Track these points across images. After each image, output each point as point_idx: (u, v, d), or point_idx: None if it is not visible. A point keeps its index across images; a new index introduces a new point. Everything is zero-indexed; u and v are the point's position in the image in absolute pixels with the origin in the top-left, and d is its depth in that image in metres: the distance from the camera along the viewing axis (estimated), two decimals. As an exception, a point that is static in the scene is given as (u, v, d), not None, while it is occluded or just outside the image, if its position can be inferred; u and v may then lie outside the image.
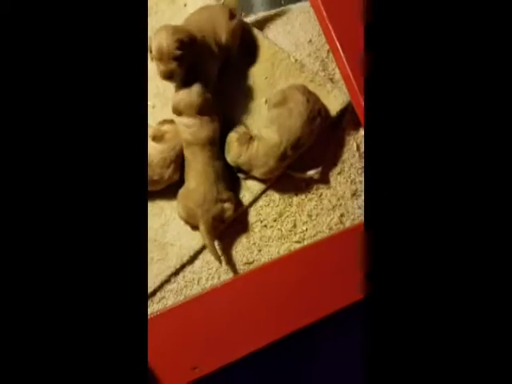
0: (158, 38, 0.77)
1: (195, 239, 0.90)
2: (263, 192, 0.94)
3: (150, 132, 0.85)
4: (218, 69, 0.90)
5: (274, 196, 0.95)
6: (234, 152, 0.86)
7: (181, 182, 0.89)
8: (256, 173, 0.89)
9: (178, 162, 0.86)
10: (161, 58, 0.77)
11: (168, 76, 0.79)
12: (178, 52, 0.77)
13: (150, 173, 0.84)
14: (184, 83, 0.83)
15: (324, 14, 0.91)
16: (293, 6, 1.02)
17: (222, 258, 0.90)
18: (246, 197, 0.93)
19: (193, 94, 0.82)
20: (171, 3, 0.94)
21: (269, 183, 0.94)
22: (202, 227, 0.84)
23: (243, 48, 0.95)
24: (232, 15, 0.89)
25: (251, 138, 0.87)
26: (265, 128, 0.88)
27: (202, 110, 0.83)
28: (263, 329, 0.81)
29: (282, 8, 1.02)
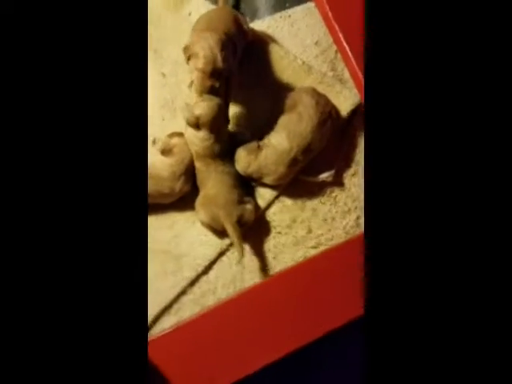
0: (207, 48, 0.71)
1: (209, 249, 0.90)
2: (275, 198, 0.93)
3: (159, 146, 0.85)
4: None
5: (287, 201, 0.94)
6: (243, 162, 0.85)
7: (192, 192, 0.88)
8: (267, 180, 0.88)
9: (188, 173, 0.85)
10: (210, 72, 0.71)
11: (212, 91, 0.74)
12: (226, 65, 0.72)
13: (159, 187, 0.84)
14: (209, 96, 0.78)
15: (329, 13, 0.89)
16: (298, 8, 1.00)
17: (237, 266, 0.89)
18: (259, 203, 0.92)
19: (215, 108, 0.78)
20: (175, 12, 0.94)
21: (281, 189, 0.92)
22: (228, 226, 0.83)
23: (250, 53, 0.94)
24: (241, 17, 0.88)
25: (259, 147, 0.85)
26: (274, 134, 0.86)
27: (220, 125, 0.81)
28: (281, 340, 0.79)
29: (287, 10, 1.00)
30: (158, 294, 0.87)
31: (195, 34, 0.79)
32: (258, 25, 0.98)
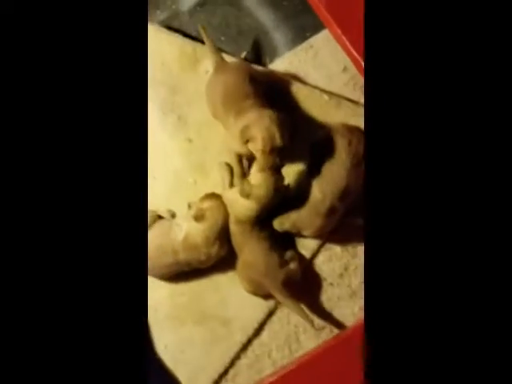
0: (265, 130, 0.70)
1: (258, 310, 0.86)
2: (321, 247, 0.86)
3: (193, 212, 0.84)
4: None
5: (335, 249, 0.86)
6: (277, 220, 0.79)
7: (231, 253, 0.86)
8: (306, 233, 0.81)
9: (223, 237, 0.83)
10: (270, 151, 0.71)
11: (273, 167, 0.73)
12: (285, 142, 0.71)
13: (196, 254, 0.82)
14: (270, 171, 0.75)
15: (343, 37, 0.80)
16: (318, 36, 0.92)
17: (292, 325, 0.84)
18: (303, 253, 0.86)
19: (272, 186, 0.74)
20: (193, 73, 0.92)
21: (325, 237, 0.85)
22: (277, 294, 0.79)
23: (273, 98, 0.88)
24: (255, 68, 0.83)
25: (292, 201, 0.79)
26: (306, 182, 0.80)
27: (272, 200, 0.76)
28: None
29: (308, 41, 0.93)
30: (212, 360, 0.85)
31: (250, 114, 0.75)
32: (278, 64, 0.93)
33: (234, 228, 0.81)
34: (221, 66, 0.84)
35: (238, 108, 0.77)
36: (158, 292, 0.88)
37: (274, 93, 0.88)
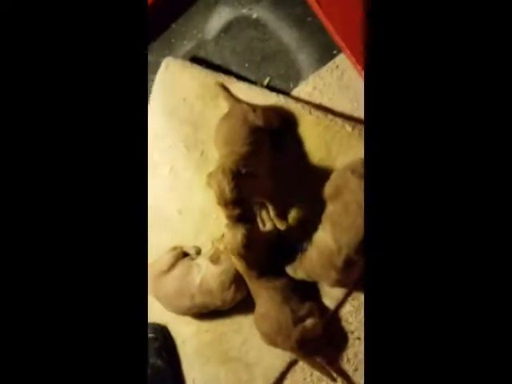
0: (216, 184, 0.71)
1: (278, 359, 0.81)
2: (347, 296, 0.77)
3: (210, 253, 0.82)
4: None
5: (363, 298, 0.76)
6: (289, 269, 0.73)
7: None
8: (324, 283, 0.73)
9: (238, 281, 0.79)
10: (224, 204, 0.71)
11: (238, 220, 0.72)
12: (235, 194, 0.70)
13: (212, 299, 0.81)
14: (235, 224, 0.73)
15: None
16: (344, 54, 0.81)
17: (315, 377, 0.78)
18: (327, 303, 0.78)
19: (239, 237, 0.71)
20: (215, 109, 0.89)
21: (351, 286, 0.76)
22: (291, 353, 0.76)
23: (290, 131, 0.81)
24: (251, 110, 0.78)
25: (303, 249, 0.72)
26: (319, 228, 0.71)
27: (254, 250, 0.73)
28: None
29: (334, 60, 0.83)
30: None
31: (217, 162, 0.75)
32: (303, 88, 0.85)
33: (245, 277, 0.77)
34: (225, 114, 0.81)
35: (221, 153, 0.77)
36: (187, 327, 0.89)
37: (292, 124, 0.81)
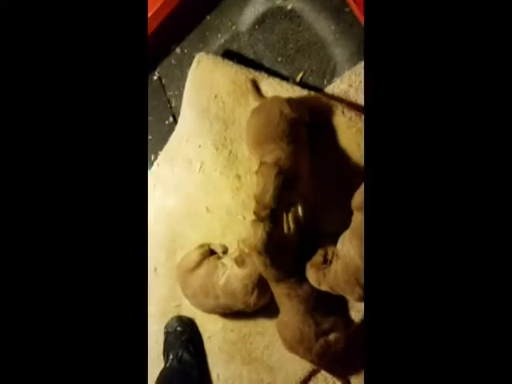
0: (262, 178, 0.69)
1: (301, 365, 0.79)
2: (374, 309, 0.73)
3: (235, 255, 0.81)
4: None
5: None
6: (313, 280, 0.69)
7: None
8: (350, 298, 0.70)
9: (262, 286, 0.78)
10: (260, 201, 0.70)
11: (263, 219, 0.71)
12: (275, 203, 0.69)
13: (234, 302, 0.80)
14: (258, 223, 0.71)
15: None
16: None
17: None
18: (352, 316, 0.75)
19: (261, 235, 0.69)
20: (246, 106, 0.86)
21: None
22: (315, 367, 0.75)
23: (323, 131, 0.77)
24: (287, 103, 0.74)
25: (328, 260, 0.69)
26: (344, 242, 0.68)
27: (275, 250, 0.71)
28: None
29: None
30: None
31: (267, 157, 0.71)
32: (337, 85, 0.79)
33: (269, 283, 0.75)
34: (257, 107, 0.77)
35: (262, 151, 0.73)
36: (213, 323, 0.90)
37: (324, 123, 0.76)
